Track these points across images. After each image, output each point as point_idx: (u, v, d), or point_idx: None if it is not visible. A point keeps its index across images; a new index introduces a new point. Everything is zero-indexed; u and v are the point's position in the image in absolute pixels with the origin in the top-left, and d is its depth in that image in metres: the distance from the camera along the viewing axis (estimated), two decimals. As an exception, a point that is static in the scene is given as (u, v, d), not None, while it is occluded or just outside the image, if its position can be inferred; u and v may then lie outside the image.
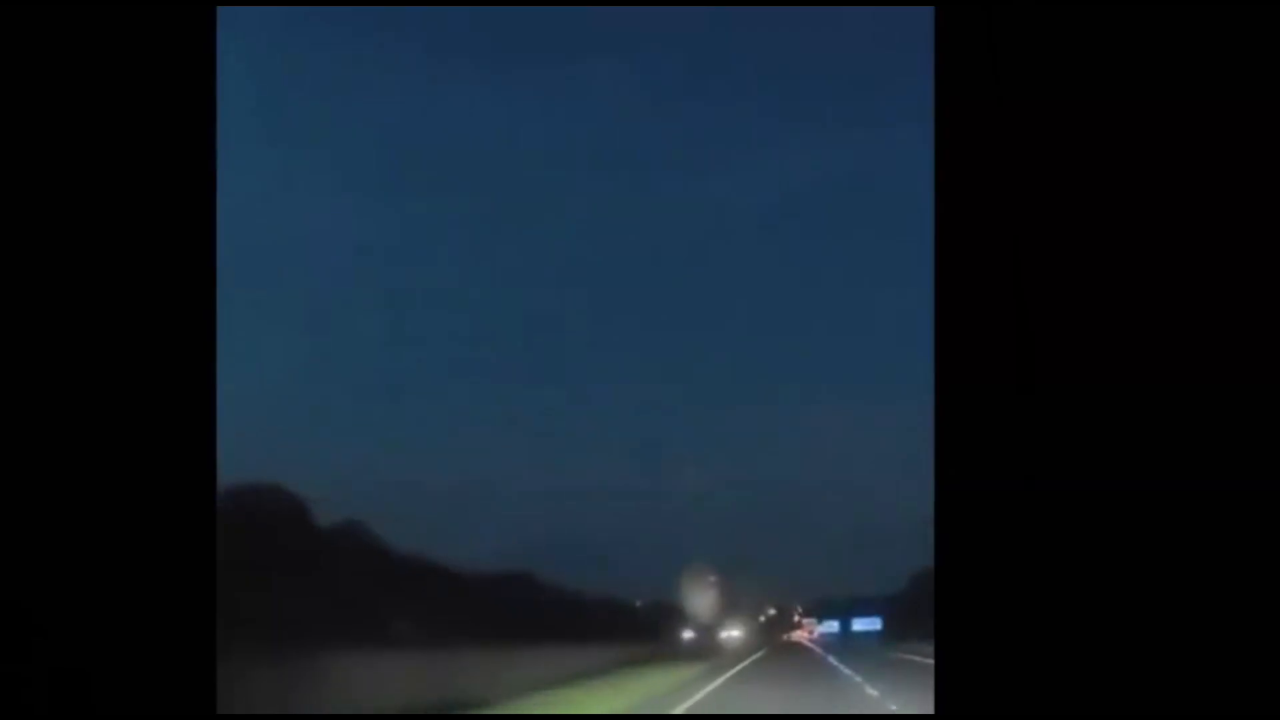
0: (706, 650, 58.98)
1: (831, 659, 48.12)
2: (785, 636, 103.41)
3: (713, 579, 73.35)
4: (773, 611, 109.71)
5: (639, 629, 57.86)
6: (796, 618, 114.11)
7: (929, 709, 7.81)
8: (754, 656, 56.31)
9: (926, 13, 6.82)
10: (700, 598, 71.53)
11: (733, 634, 76.24)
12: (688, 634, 67.79)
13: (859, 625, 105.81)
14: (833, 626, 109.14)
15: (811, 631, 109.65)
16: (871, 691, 25.92)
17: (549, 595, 46.10)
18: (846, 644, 79.26)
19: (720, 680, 33.29)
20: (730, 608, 79.39)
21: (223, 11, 7.14)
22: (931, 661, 8.15)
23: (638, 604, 73.77)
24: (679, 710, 22.52)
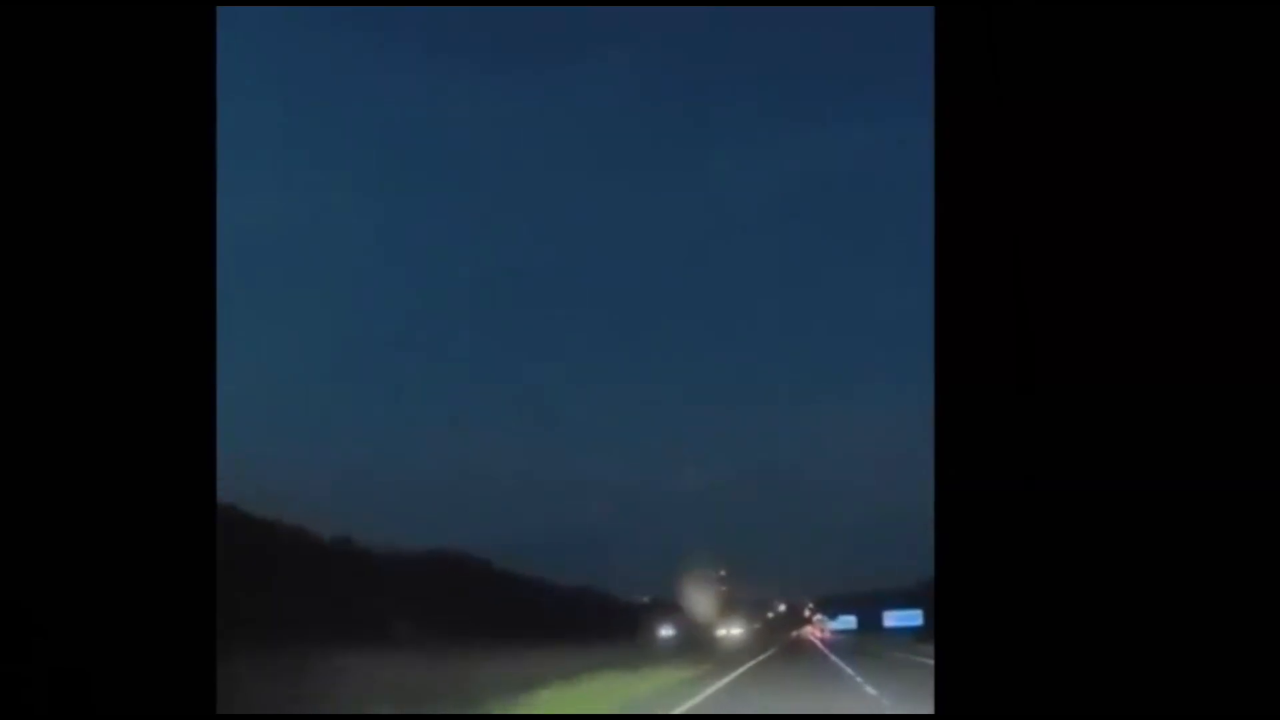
0: (692, 653, 46.31)
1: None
2: (794, 634, 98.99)
3: (718, 573, 71.62)
4: (783, 607, 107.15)
5: (622, 627, 51.02)
6: (807, 613, 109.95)
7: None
8: (751, 663, 42.13)
9: (926, 13, 6.83)
10: (701, 593, 68.80)
11: (732, 632, 71.40)
12: (666, 631, 58.31)
13: (894, 620, 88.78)
14: (849, 623, 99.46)
15: (823, 630, 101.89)
16: None
17: (524, 590, 43.41)
18: (866, 647, 63.23)
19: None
20: (734, 603, 77.23)
21: (223, 11, 7.16)
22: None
23: (646, 599, 71.64)
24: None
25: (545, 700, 22.20)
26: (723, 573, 76.74)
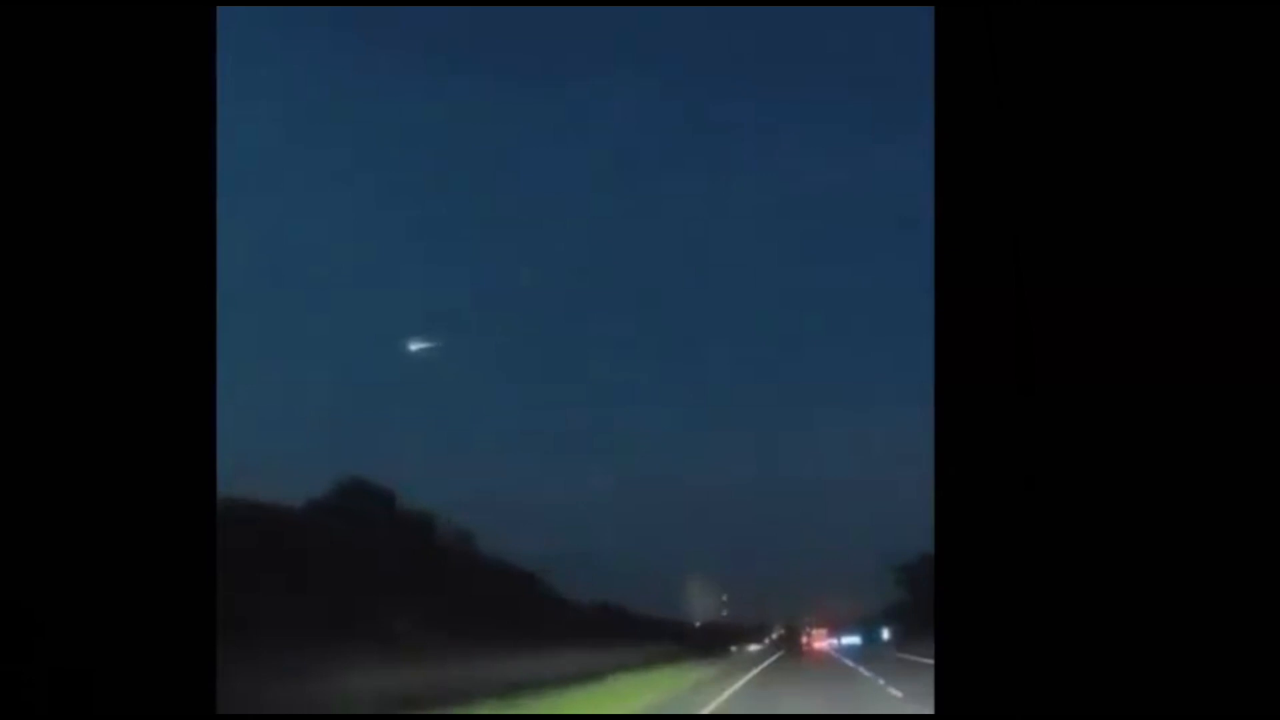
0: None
1: None
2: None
3: (720, 598, 69.40)
4: (781, 631, 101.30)
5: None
6: (805, 639, 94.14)
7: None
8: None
9: (926, 13, 6.83)
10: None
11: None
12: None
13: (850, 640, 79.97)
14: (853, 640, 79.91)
15: (823, 640, 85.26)
16: None
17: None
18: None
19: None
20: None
21: (223, 11, 7.17)
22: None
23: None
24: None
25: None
26: (725, 598, 75.80)
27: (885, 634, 78.49)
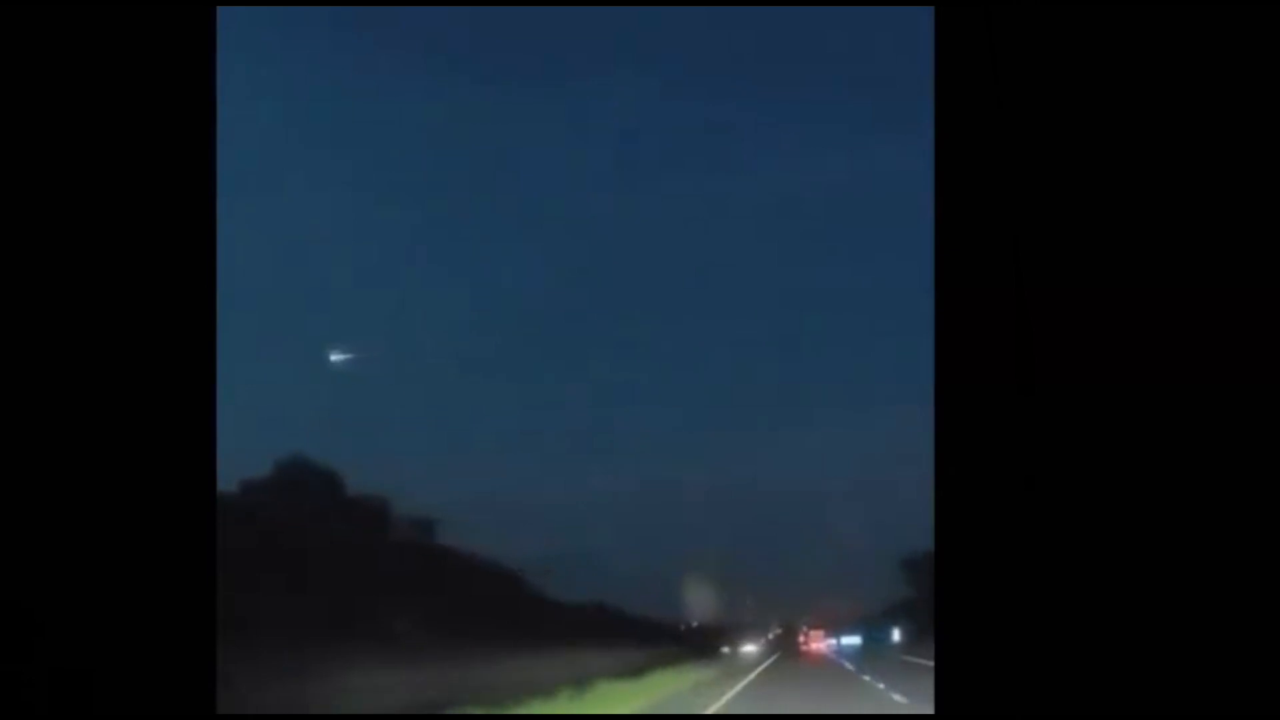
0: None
1: None
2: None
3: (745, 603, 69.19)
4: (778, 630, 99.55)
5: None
6: (802, 638, 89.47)
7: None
8: None
9: (926, 13, 6.84)
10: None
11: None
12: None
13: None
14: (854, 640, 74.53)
15: (820, 641, 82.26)
16: None
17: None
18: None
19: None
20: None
21: (223, 11, 7.17)
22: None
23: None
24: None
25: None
26: (723, 598, 75.69)
27: (895, 634, 71.21)
